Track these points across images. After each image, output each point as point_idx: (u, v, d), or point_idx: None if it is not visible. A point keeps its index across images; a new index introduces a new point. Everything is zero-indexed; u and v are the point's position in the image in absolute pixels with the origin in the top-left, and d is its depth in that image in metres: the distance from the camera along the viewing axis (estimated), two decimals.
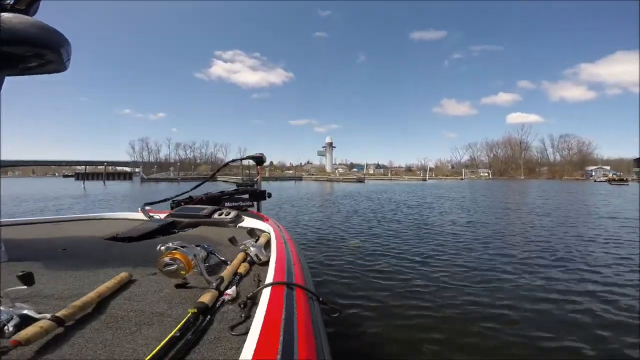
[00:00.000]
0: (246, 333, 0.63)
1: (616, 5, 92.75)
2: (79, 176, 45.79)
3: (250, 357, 0.52)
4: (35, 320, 0.65)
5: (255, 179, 2.82)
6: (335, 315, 0.96)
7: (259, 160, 2.79)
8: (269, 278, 0.89)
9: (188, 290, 0.91)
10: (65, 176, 58.26)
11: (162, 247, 0.92)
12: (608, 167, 55.04)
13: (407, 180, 48.92)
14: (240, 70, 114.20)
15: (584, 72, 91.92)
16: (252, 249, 1.19)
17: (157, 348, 0.59)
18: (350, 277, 3.36)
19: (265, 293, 0.78)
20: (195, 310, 0.72)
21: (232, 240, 1.26)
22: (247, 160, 2.90)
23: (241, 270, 1.04)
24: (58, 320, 0.65)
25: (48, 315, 0.66)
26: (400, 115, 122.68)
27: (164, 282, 0.95)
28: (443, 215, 8.65)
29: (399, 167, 79.96)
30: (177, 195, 2.36)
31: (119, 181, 43.35)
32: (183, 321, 0.68)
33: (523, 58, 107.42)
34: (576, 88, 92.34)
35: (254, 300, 0.80)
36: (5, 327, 0.62)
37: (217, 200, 2.43)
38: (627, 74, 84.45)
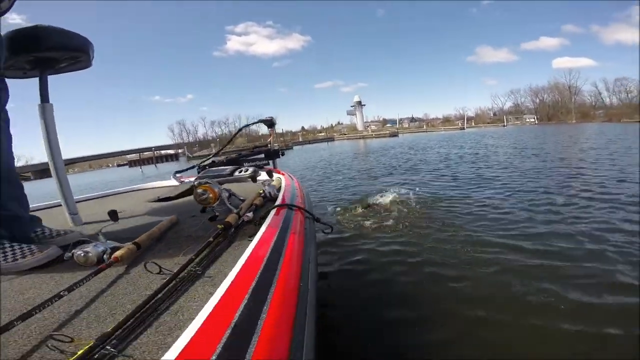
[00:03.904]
0: (253, 240, 0.87)
1: None
2: (131, 164, 50.09)
3: (249, 254, 0.74)
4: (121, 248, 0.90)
5: (269, 140, 3.14)
6: (327, 231, 1.30)
7: (269, 123, 3.08)
8: (277, 203, 1.21)
9: (219, 221, 1.17)
10: (119, 165, 63.29)
11: (196, 183, 1.30)
12: None
13: (444, 131, 46.53)
14: (257, 41, 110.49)
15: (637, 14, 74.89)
16: (267, 187, 1.53)
17: (197, 251, 0.85)
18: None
19: (273, 213, 1.08)
20: (222, 226, 1.00)
21: (253, 178, 1.63)
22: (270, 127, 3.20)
23: (256, 202, 1.37)
24: (137, 245, 0.93)
25: (129, 244, 0.92)
26: (432, 68, 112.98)
27: (200, 219, 1.30)
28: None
29: (436, 118, 75.71)
30: (202, 162, 2.77)
31: (167, 163, 46.75)
32: (215, 234, 0.96)
33: (563, 2, 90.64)
34: (634, 30, 76.89)
35: (265, 219, 1.04)
36: (104, 255, 0.89)
37: (236, 161, 2.81)
38: None
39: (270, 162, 3.11)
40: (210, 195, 1.24)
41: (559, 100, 62.03)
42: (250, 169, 2.36)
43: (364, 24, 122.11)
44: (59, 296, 0.65)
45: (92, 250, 0.89)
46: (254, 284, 0.61)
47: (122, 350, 0.51)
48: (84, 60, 1.47)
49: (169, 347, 0.46)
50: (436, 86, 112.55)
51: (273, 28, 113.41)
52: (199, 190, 1.25)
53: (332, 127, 77.33)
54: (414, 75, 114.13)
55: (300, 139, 52.85)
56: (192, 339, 0.46)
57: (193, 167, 2.81)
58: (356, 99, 64.57)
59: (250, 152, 3.06)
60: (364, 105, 64.62)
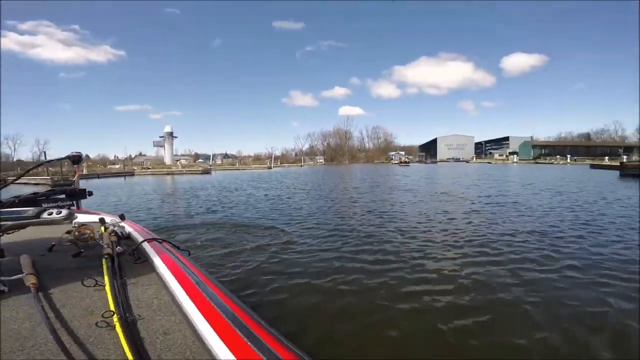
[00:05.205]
0: (146, 262, 1.19)
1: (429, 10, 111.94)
2: None
3: (161, 268, 1.06)
4: (16, 280, 0.98)
5: (74, 179, 2.97)
6: (185, 255, 1.71)
7: (77, 158, 2.93)
8: (140, 239, 1.48)
9: (83, 257, 1.33)
10: None
11: (76, 224, 1.43)
12: (403, 152, 73.79)
13: (254, 169, 50.35)
14: (45, 44, 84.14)
15: (396, 73, 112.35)
16: (117, 227, 1.72)
17: (105, 275, 1.05)
18: None
19: (146, 246, 1.35)
20: (107, 255, 1.20)
21: (102, 221, 1.72)
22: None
23: (113, 239, 1.52)
24: (35, 274, 1.02)
25: (27, 274, 0.99)
26: (251, 105, 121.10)
27: (57, 256, 1.36)
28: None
29: (248, 156, 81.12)
30: None
31: None
32: (105, 262, 1.15)
33: (357, 56, 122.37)
34: (389, 86, 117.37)
35: (138, 250, 1.31)
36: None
37: (32, 202, 2.52)
38: (424, 76, 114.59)
39: (74, 203, 2.89)
40: (90, 234, 1.40)
41: (339, 144, 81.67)
42: (64, 211, 2.24)
43: (197, 50, 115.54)
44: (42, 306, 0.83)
45: None
46: (190, 283, 0.95)
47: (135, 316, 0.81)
48: None
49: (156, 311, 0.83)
50: (253, 123, 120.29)
51: (77, 34, 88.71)
52: (77, 232, 1.39)
53: (131, 158, 66.84)
54: (235, 109, 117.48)
55: (85, 171, 40.90)
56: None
57: None
58: (167, 129, 58.92)
59: (49, 192, 2.72)
60: (176, 137, 60.05)
